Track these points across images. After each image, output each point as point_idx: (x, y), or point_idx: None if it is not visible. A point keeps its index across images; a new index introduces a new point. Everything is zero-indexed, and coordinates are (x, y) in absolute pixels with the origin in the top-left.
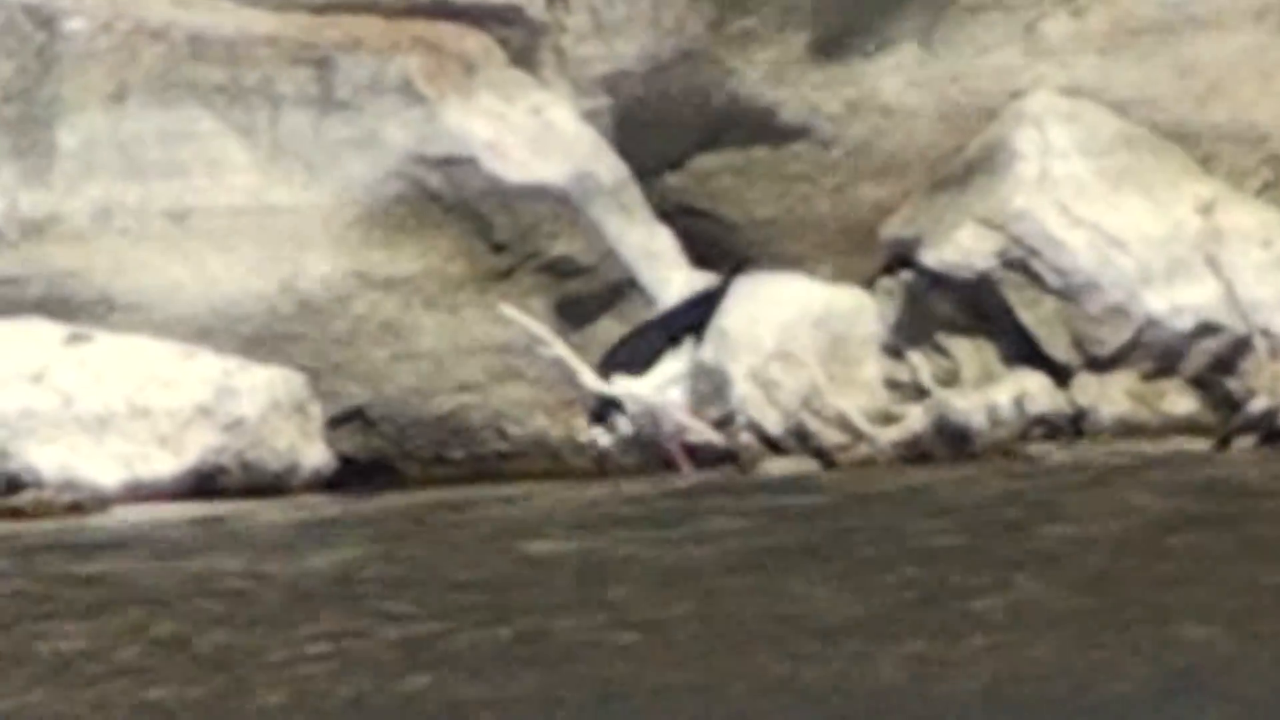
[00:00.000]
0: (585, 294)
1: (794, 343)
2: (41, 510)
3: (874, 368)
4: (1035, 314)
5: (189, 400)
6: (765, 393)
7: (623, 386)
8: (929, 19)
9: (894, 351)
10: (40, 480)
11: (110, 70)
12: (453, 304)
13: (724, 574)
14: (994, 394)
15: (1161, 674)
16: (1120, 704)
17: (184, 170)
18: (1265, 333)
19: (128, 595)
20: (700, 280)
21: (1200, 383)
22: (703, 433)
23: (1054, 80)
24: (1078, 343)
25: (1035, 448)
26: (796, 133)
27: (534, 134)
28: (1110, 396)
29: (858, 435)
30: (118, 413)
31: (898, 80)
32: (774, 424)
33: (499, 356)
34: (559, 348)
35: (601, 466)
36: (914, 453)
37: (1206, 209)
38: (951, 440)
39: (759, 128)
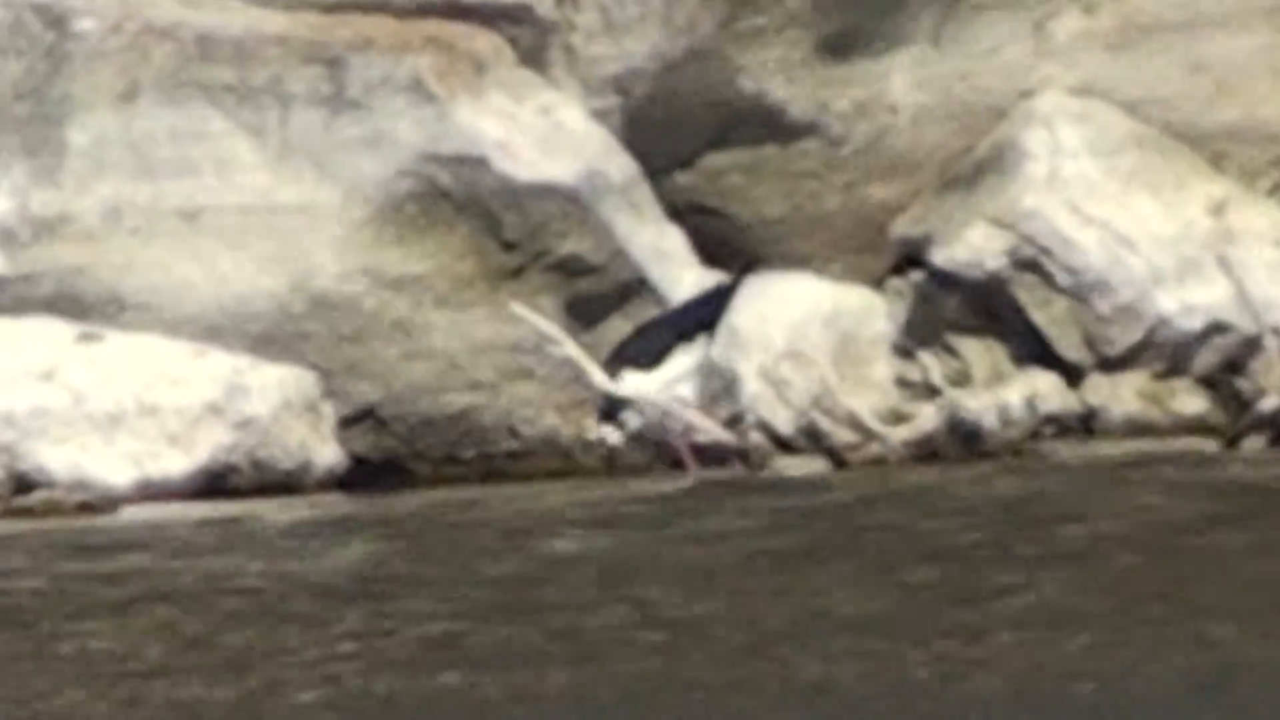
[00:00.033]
0: (595, 292)
1: (804, 342)
2: (52, 510)
3: (884, 367)
4: (1046, 313)
5: (199, 399)
6: (776, 392)
7: (632, 386)
8: (938, 18)
9: (904, 351)
10: (51, 480)
11: (120, 70)
12: (463, 302)
13: (746, 573)
14: (1004, 393)
15: (1193, 671)
16: (1154, 701)
17: (194, 169)
18: (1276, 332)
19: (150, 594)
20: (710, 279)
21: (1211, 382)
22: (713, 432)
23: (1063, 79)
24: (1088, 342)
25: (1046, 447)
26: (806, 131)
27: (544, 133)
28: (1121, 396)
29: (868, 434)
30: (128, 411)
31: (907, 79)
32: (784, 423)
33: (509, 355)
34: (569, 346)
35: (611, 465)
36: (924, 452)
37: (1217, 209)
38: (962, 440)
39: (769, 126)
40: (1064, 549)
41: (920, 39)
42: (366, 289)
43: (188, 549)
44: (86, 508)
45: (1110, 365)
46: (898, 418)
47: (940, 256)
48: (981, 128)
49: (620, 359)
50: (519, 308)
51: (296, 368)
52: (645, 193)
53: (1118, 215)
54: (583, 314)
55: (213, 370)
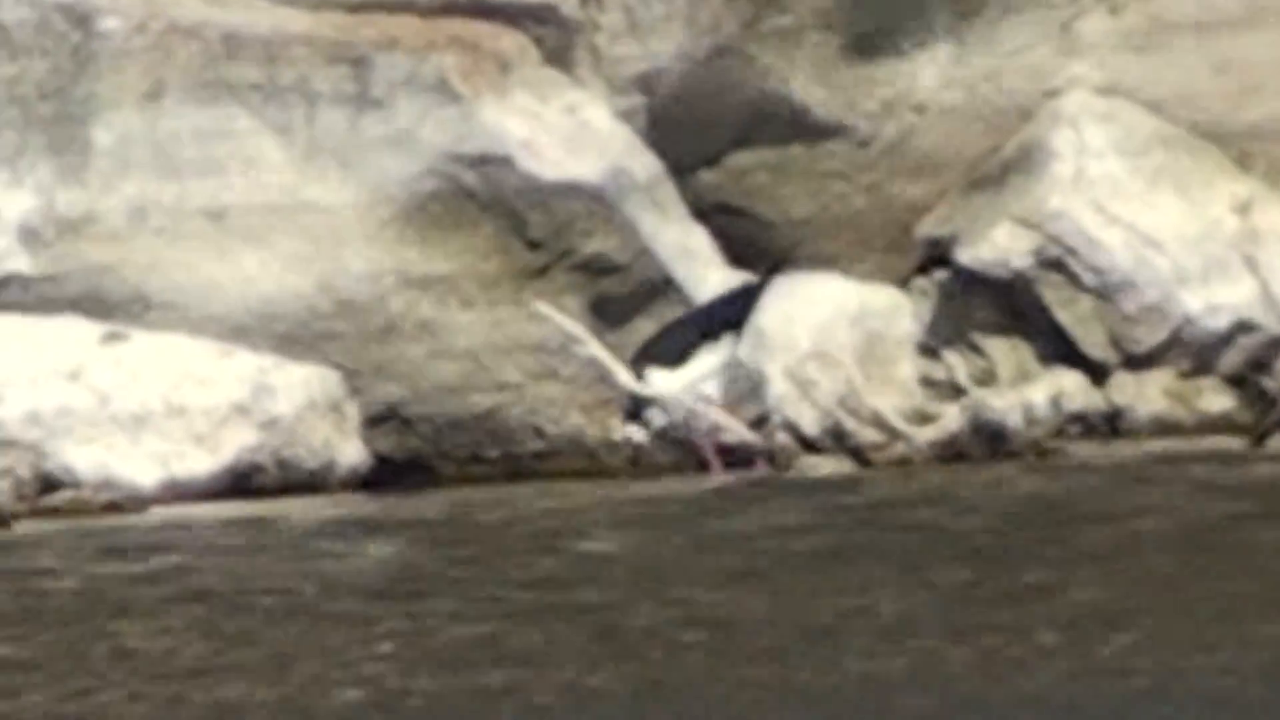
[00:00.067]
0: (620, 292)
1: (830, 342)
2: (79, 510)
3: (910, 367)
4: (1072, 313)
5: (225, 399)
6: (801, 392)
7: (657, 385)
8: (964, 17)
9: (930, 351)
10: (77, 480)
11: (146, 69)
12: (489, 302)
13: (781, 572)
14: (1030, 393)
15: (1244, 670)
16: (1205, 700)
17: (220, 168)
18: None
19: (185, 594)
20: (736, 278)
21: (1236, 381)
22: (738, 432)
23: (1089, 79)
24: (1114, 341)
25: (1071, 446)
26: (832, 131)
27: (569, 132)
28: (1147, 395)
29: (894, 434)
30: (154, 411)
31: (933, 79)
32: (810, 423)
33: (535, 355)
34: (594, 346)
35: (636, 465)
36: (950, 452)
37: (1243, 208)
38: (988, 439)
39: (794, 126)
40: (1095, 548)
41: (947, 39)
42: (392, 289)
43: (217, 549)
44: (112, 507)
45: (1136, 364)
46: (923, 418)
47: (966, 256)
48: (1008, 127)
49: (645, 358)
50: (544, 307)
51: (322, 367)
52: (670, 192)
53: (1143, 215)
54: (608, 313)
55: (238, 370)
